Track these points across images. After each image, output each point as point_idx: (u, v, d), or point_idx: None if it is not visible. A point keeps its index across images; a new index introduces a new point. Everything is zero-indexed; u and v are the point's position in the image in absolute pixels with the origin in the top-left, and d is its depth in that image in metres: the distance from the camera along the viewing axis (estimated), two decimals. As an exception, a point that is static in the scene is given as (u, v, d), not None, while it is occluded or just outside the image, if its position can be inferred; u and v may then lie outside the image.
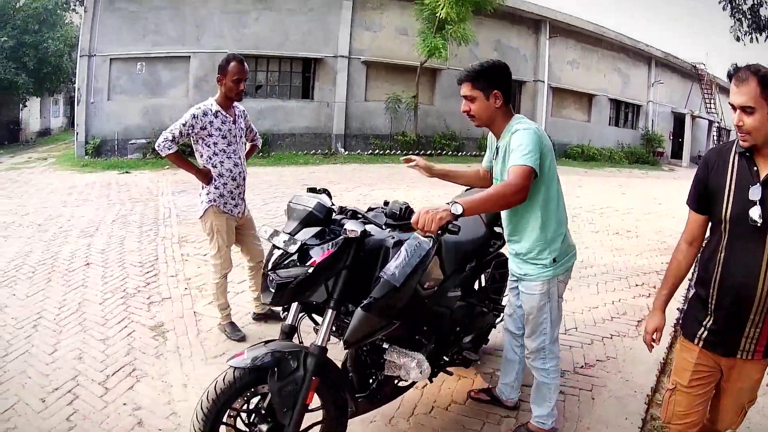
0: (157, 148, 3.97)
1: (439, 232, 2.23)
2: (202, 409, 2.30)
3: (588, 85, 23.29)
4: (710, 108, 29.49)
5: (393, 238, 2.55)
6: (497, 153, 2.75)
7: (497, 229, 3.41)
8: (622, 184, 14.47)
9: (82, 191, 11.15)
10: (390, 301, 2.37)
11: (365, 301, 2.35)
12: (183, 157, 4.06)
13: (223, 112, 3.96)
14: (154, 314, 4.74)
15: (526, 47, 21.73)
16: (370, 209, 2.82)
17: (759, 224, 1.91)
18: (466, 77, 2.64)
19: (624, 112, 26.36)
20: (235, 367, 2.29)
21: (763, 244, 1.94)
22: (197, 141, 3.98)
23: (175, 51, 16.93)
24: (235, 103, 4.08)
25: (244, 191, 4.18)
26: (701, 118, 29.03)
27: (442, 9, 15.66)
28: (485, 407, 3.29)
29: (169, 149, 3.91)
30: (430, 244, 2.46)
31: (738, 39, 10.97)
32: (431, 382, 3.32)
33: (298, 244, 2.35)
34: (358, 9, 18.21)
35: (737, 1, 10.89)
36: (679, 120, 28.14)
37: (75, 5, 25.44)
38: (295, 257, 2.38)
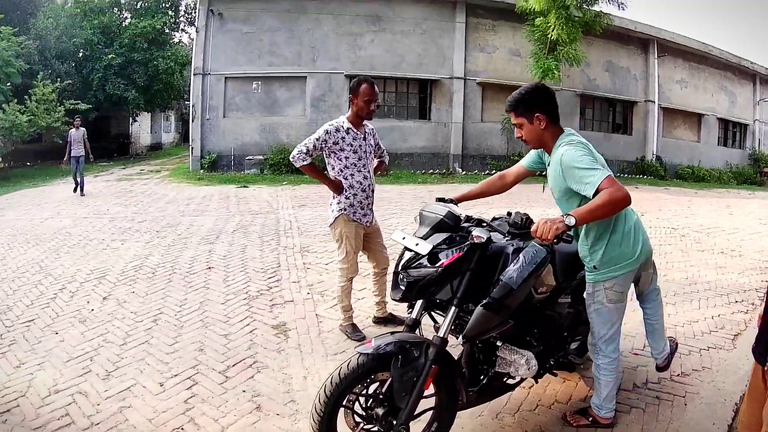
0: (291, 160, 4.22)
1: (555, 240, 2.45)
2: (325, 391, 2.49)
3: (697, 105, 22.60)
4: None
5: (513, 245, 2.72)
6: (548, 166, 2.94)
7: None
8: (730, 205, 14.10)
9: (200, 202, 11.47)
10: (507, 301, 2.56)
11: (485, 301, 2.55)
12: (317, 168, 4.25)
13: (354, 129, 4.19)
14: (277, 315, 4.85)
15: (635, 67, 21.35)
16: (494, 219, 3.00)
17: None
18: (509, 107, 2.84)
19: (731, 131, 25.51)
20: (362, 353, 2.49)
21: None
22: (330, 155, 4.20)
23: (291, 71, 17.31)
24: (365, 122, 4.32)
25: (372, 202, 4.37)
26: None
27: (553, 30, 15.66)
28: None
29: (303, 161, 4.15)
30: (546, 252, 2.66)
31: None
32: (537, 382, 3.44)
33: (430, 246, 2.56)
34: (471, 31, 18.26)
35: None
36: (785, 138, 26.76)
37: (184, 26, 26.69)
38: (425, 259, 2.59)
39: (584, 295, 3.04)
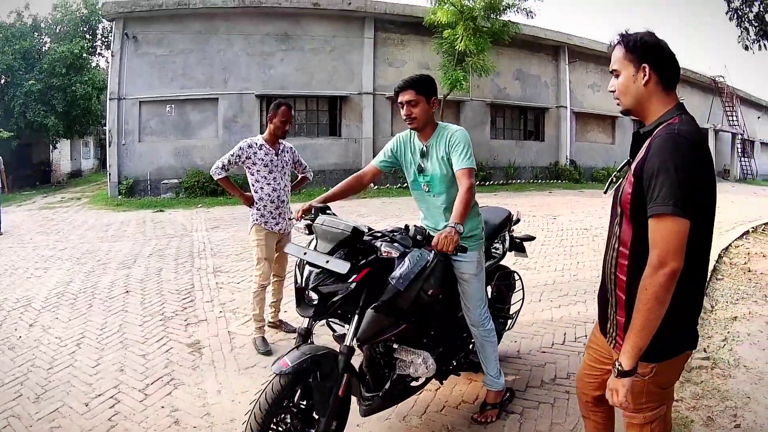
0: (211, 173, 4.71)
1: (455, 252, 2.63)
2: (255, 419, 2.49)
3: (610, 107, 22.98)
4: (732, 120, 29.32)
5: (399, 251, 2.80)
6: (426, 152, 3.22)
7: (493, 248, 3.85)
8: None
9: (118, 228, 11.53)
10: (396, 303, 2.72)
11: (375, 304, 2.69)
12: (231, 182, 4.79)
13: (267, 146, 4.66)
14: (191, 333, 5.07)
15: (546, 74, 21.86)
16: (392, 232, 3.07)
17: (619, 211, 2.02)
18: (409, 84, 3.12)
19: (647, 132, 26.14)
20: (280, 374, 2.54)
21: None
22: (245, 169, 4.68)
23: (203, 93, 17.30)
24: (281, 141, 4.77)
25: (285, 212, 4.76)
26: (724, 131, 28.86)
27: (460, 42, 15.98)
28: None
29: (219, 174, 4.64)
30: (431, 255, 2.83)
31: (746, 48, 10.77)
32: (442, 384, 3.65)
33: (348, 265, 2.58)
34: (379, 46, 18.49)
35: (742, 10, 10.71)
36: (701, 135, 27.86)
37: (101, 50, 26.25)
38: (335, 276, 2.65)
39: (470, 281, 3.22)
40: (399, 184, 17.52)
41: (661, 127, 1.87)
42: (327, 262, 2.63)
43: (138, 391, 3.94)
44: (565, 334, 4.69)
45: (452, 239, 2.59)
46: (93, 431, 3.41)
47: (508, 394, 3.55)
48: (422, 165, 3.25)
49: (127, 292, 6.44)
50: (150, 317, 5.51)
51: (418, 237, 2.85)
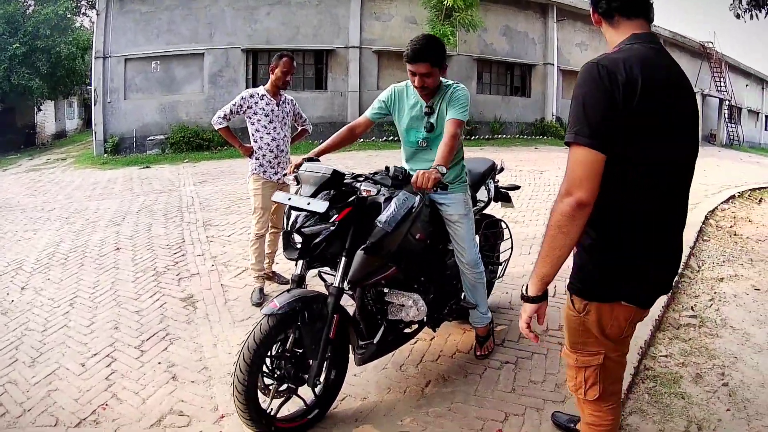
0: (211, 122, 4.76)
1: (434, 189, 2.66)
2: (244, 359, 2.55)
3: (597, 67, 23.29)
4: (720, 86, 29.35)
5: (384, 195, 2.90)
6: (431, 110, 3.19)
7: (480, 195, 3.90)
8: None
9: (105, 186, 11.48)
10: (383, 244, 2.78)
11: (364, 245, 2.75)
12: (231, 132, 4.78)
13: (269, 96, 4.68)
14: (184, 288, 5.08)
15: (534, 31, 21.71)
16: (374, 174, 3.11)
17: None
18: (422, 57, 3.00)
19: (633, 91, 26.17)
20: (269, 315, 2.60)
21: None
22: (246, 119, 4.69)
23: (188, 48, 17.15)
24: (282, 92, 4.78)
25: (285, 162, 4.76)
26: (711, 96, 28.89)
27: (449, -3, 15.79)
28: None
29: (220, 124, 4.66)
30: (416, 198, 2.91)
31: (738, 16, 10.56)
32: (435, 332, 3.71)
33: (326, 204, 2.66)
34: (366, 0, 18.33)
35: (737, -22, 10.45)
36: (689, 99, 27.94)
37: (86, 9, 25.80)
38: (317, 216, 2.72)
39: (460, 221, 3.28)
40: (384, 137, 17.54)
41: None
42: (308, 204, 2.69)
43: (134, 348, 3.97)
44: (555, 287, 4.60)
45: (431, 177, 2.62)
46: (91, 391, 3.44)
47: (493, 323, 3.68)
48: (430, 122, 3.21)
49: (117, 249, 6.44)
50: (142, 273, 5.51)
51: (398, 176, 2.91)
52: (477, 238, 3.79)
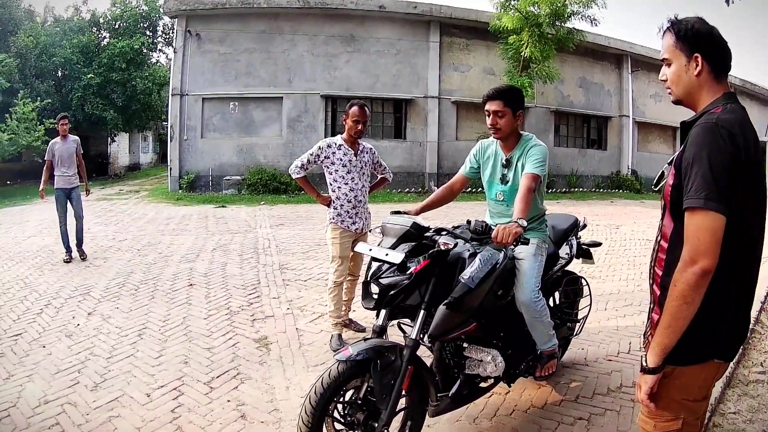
0: (290, 172, 4.74)
1: (514, 243, 2.68)
2: (310, 402, 2.55)
3: (672, 118, 22.48)
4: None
5: (469, 250, 2.94)
6: (508, 163, 3.32)
7: (562, 251, 3.84)
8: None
9: (179, 222, 11.54)
10: (466, 300, 2.78)
11: (447, 300, 2.75)
12: (308, 182, 4.81)
13: (346, 146, 4.66)
14: (258, 329, 5.04)
15: (609, 82, 21.53)
16: (455, 227, 3.14)
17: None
18: (497, 93, 3.20)
19: (709, 144, 25.57)
20: (341, 361, 2.60)
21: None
22: (323, 168, 4.69)
23: (267, 92, 17.36)
24: (361, 141, 4.78)
25: (363, 212, 4.76)
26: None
27: (526, 48, 15.87)
28: (561, 410, 3.54)
29: (298, 174, 4.67)
30: (501, 254, 2.98)
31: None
32: (510, 387, 3.63)
33: (402, 255, 2.69)
34: (445, 51, 18.36)
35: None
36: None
37: (162, 46, 26.67)
38: (395, 267, 2.74)
39: (526, 258, 3.22)
40: (463, 190, 17.41)
41: (703, 116, 1.77)
42: (386, 255, 2.74)
43: (203, 384, 3.92)
44: (630, 344, 4.65)
45: (512, 231, 2.65)
46: (155, 421, 3.40)
47: (560, 348, 3.65)
48: (505, 175, 3.31)
49: (191, 285, 6.43)
50: (215, 311, 5.48)
51: (478, 229, 2.87)
52: (557, 294, 3.91)
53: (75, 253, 7.89)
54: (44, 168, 8.19)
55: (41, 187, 8.19)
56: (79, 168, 8.17)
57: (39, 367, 4.16)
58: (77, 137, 8.39)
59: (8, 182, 21.06)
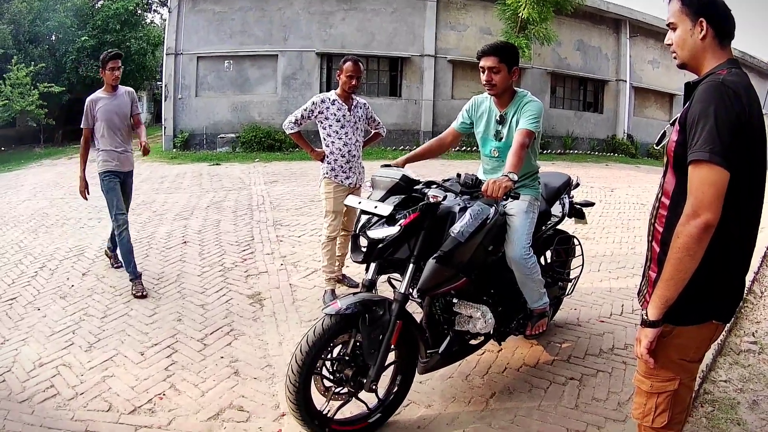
0: (283, 127, 4.77)
1: (505, 197, 2.67)
2: (296, 360, 2.56)
3: (669, 85, 22.51)
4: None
5: (459, 204, 2.91)
6: (503, 119, 3.27)
7: (554, 209, 3.81)
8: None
9: (173, 180, 11.49)
10: (456, 254, 2.76)
11: (436, 254, 2.74)
12: (303, 137, 4.79)
13: (340, 101, 4.62)
14: (252, 285, 5.05)
15: (607, 47, 21.35)
16: (445, 180, 3.11)
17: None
18: (492, 50, 3.17)
19: (704, 110, 25.52)
20: (329, 315, 2.59)
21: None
22: (317, 124, 4.67)
23: (262, 50, 17.26)
24: (355, 96, 4.75)
25: (355, 166, 4.73)
26: (779, 117, 27.84)
27: (524, 9, 15.73)
28: (553, 369, 3.56)
29: (292, 129, 4.68)
30: (492, 209, 2.94)
31: None
32: (500, 345, 3.66)
33: (390, 207, 2.67)
34: (442, 9, 18.21)
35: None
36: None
37: (156, 6, 26.36)
38: (384, 220, 2.72)
39: (518, 214, 3.21)
40: (457, 148, 17.39)
41: (709, 77, 1.81)
42: (375, 207, 2.71)
43: (196, 341, 3.94)
44: (623, 306, 4.65)
45: (502, 185, 2.61)
46: (149, 380, 3.42)
47: (551, 307, 3.63)
48: (499, 131, 3.28)
49: (185, 242, 6.42)
50: (209, 268, 5.48)
51: (469, 182, 2.89)
52: (548, 253, 3.91)
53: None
54: (81, 143, 5.27)
55: (80, 177, 5.31)
56: (138, 131, 5.33)
57: (34, 330, 4.15)
58: (131, 88, 5.53)
59: (2, 148, 20.90)
